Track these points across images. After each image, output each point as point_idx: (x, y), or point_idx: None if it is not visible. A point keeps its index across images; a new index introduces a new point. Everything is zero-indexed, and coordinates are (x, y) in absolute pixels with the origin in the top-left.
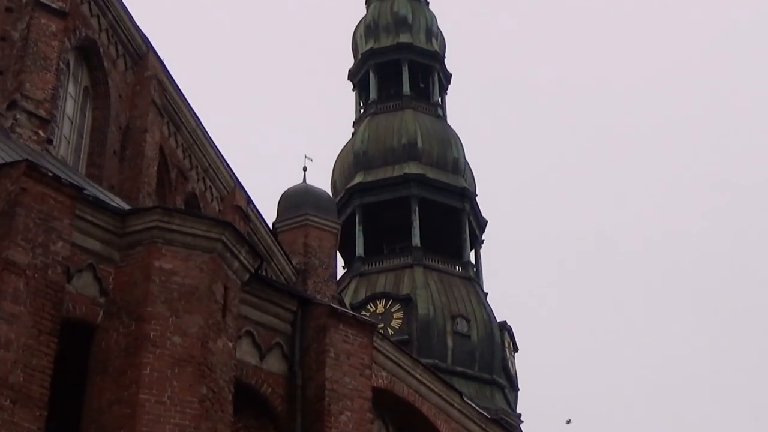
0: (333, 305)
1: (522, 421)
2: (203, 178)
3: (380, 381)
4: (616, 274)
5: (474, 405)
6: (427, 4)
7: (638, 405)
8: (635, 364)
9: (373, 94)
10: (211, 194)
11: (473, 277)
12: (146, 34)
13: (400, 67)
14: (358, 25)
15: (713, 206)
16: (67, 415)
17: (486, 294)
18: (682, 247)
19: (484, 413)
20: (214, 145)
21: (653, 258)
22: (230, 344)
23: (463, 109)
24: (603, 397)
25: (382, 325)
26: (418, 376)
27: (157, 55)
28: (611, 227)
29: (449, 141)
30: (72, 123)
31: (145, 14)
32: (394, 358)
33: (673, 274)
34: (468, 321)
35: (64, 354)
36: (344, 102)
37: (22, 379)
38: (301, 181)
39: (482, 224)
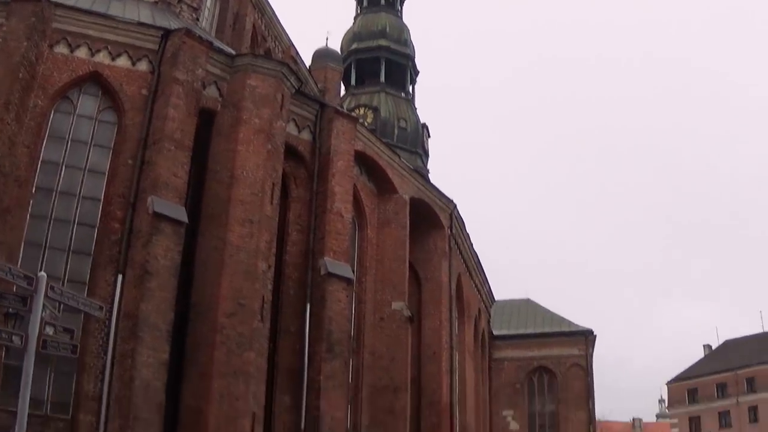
0: (337, 107)
1: (429, 171)
2: (274, 41)
3: (359, 146)
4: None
5: (407, 162)
6: None
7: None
8: None
9: (365, 4)
10: (277, 50)
11: (410, 100)
12: None
13: None
14: None
15: None
16: (199, 156)
17: (416, 108)
18: None
19: (409, 165)
20: (281, 24)
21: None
22: (284, 124)
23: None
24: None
25: (361, 120)
26: (378, 146)
27: None
28: None
29: (402, 29)
30: (209, 9)
31: None
32: (366, 136)
33: None
34: (406, 121)
35: (201, 124)
36: (350, 7)
37: (180, 135)
38: (324, 45)
39: (417, 72)
